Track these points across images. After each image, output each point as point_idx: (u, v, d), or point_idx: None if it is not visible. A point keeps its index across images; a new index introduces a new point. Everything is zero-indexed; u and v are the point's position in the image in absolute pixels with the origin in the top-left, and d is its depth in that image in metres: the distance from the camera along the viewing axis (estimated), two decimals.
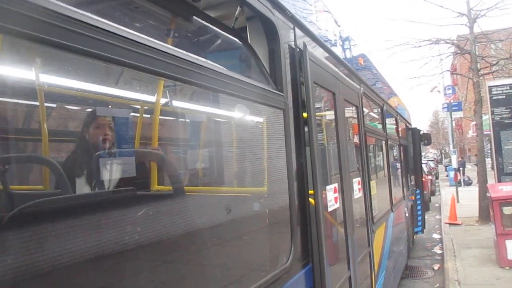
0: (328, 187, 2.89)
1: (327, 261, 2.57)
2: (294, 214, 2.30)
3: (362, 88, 4.63)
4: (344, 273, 3.12)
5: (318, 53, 3.11)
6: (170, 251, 1.61)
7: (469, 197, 17.81)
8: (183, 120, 1.99)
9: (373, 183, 4.75)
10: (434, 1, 12.37)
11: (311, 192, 2.53)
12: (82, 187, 1.44)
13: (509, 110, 8.72)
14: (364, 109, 4.93)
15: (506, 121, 8.72)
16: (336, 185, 3.06)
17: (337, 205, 3.02)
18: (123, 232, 1.33)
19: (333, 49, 3.70)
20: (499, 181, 8.56)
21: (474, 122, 16.76)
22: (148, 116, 1.78)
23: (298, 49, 2.59)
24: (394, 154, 7.87)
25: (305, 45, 2.60)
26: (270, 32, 2.29)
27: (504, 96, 8.76)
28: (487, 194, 8.79)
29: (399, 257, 6.82)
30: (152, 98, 1.72)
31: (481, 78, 12.53)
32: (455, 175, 18.79)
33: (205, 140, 2.04)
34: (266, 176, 2.36)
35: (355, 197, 3.72)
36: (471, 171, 28.04)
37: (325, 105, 3.38)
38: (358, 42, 5.12)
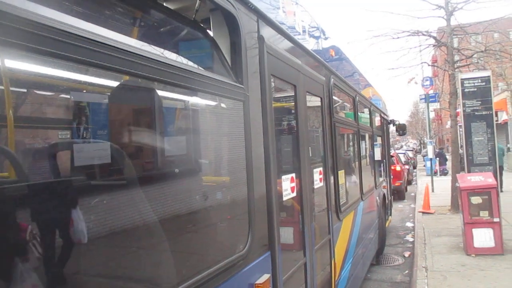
0: (284, 177, 2.99)
1: (279, 248, 2.69)
2: (252, 202, 2.41)
3: (332, 80, 4.72)
4: (299, 260, 3.25)
5: (283, 45, 3.18)
6: (133, 239, 1.69)
7: (444, 186, 18.26)
8: (146, 113, 2.05)
9: (341, 172, 4.88)
10: None
11: (267, 181, 2.63)
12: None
13: (480, 102, 8.91)
14: (336, 100, 5.04)
15: (476, 113, 8.92)
16: (293, 175, 3.16)
17: (293, 194, 3.13)
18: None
19: (303, 41, 3.78)
20: (469, 171, 8.80)
21: None
22: (110, 109, 1.83)
23: (258, 42, 2.66)
24: (367, 144, 8.04)
25: (262, 38, 2.66)
26: (232, 25, 2.34)
27: (475, 89, 8.94)
28: (456, 184, 9.06)
29: (369, 244, 7.04)
30: (114, 92, 1.77)
31: (457, 70, 12.80)
32: (436, 165, 19.26)
33: (167, 132, 2.10)
34: (226, 166, 2.45)
35: (317, 186, 3.84)
36: (448, 161, 28.70)
37: (287, 97, 3.47)
38: (332, 33, 5.22)
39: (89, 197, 1.52)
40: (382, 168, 9.73)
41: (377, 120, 9.45)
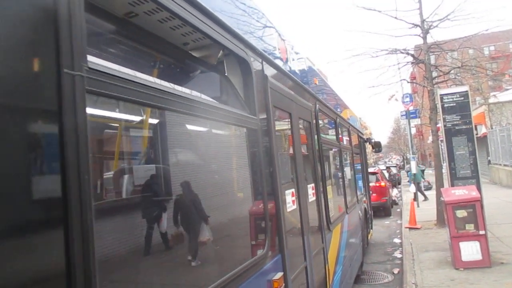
0: (287, 192, 3.65)
1: (287, 253, 3.32)
2: (267, 211, 3.03)
3: (317, 105, 5.44)
4: (301, 263, 3.92)
5: (280, 80, 3.89)
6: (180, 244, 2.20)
7: (429, 201, 19.04)
8: (187, 143, 2.54)
9: (329, 188, 5.61)
10: (389, 13, 13.40)
11: (276, 195, 3.25)
12: None
13: (460, 117, 9.58)
14: (320, 123, 5.69)
15: (457, 127, 9.57)
16: (293, 190, 3.86)
17: (294, 207, 3.83)
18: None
19: (292, 73, 4.43)
20: (452, 185, 9.35)
21: None
22: (148, 138, 2.27)
23: (264, 80, 3.32)
24: (347, 161, 8.74)
25: (266, 76, 3.37)
26: (244, 67, 3.00)
27: (454, 104, 9.63)
28: (441, 198, 9.62)
29: (354, 254, 7.73)
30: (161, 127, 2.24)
31: (436, 86, 13.65)
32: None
33: (202, 156, 2.62)
34: (248, 184, 3.08)
35: (311, 200, 4.56)
36: (432, 176, 29.61)
37: (286, 124, 4.13)
38: (312, 54, 5.95)
39: None
40: (362, 184, 10.58)
41: (355, 139, 10.21)
